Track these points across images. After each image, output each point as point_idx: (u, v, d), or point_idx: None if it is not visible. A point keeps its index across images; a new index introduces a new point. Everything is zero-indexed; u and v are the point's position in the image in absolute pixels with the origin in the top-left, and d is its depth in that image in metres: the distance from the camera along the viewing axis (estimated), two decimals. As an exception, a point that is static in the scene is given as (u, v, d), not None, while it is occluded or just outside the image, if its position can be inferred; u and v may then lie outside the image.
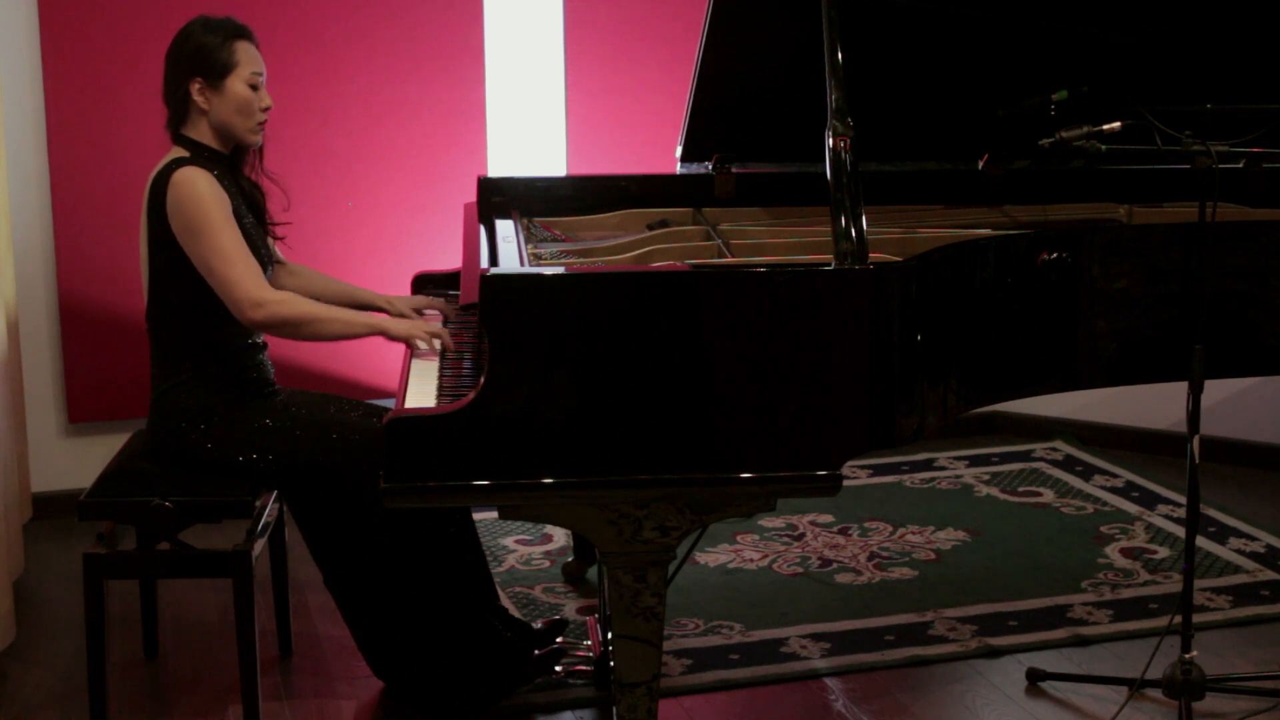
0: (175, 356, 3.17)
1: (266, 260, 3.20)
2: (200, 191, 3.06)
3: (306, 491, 3.15)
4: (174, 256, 3.10)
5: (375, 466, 2.60)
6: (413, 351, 3.13)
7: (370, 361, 4.60)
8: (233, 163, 3.25)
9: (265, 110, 3.21)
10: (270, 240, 3.33)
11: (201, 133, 3.19)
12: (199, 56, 3.14)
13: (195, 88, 3.15)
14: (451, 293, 3.56)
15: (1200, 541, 4.13)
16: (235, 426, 3.14)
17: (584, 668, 3.38)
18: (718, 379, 2.59)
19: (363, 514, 3.09)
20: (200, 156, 3.15)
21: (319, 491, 3.12)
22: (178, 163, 3.11)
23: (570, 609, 3.79)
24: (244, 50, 3.17)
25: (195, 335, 3.15)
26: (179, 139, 3.20)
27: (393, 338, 3.17)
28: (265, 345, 3.30)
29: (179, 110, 3.19)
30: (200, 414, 3.14)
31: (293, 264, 3.47)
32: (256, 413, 3.17)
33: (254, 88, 3.18)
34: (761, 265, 2.94)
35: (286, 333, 3.14)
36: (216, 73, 3.14)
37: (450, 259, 4.24)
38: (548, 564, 4.10)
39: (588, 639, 3.52)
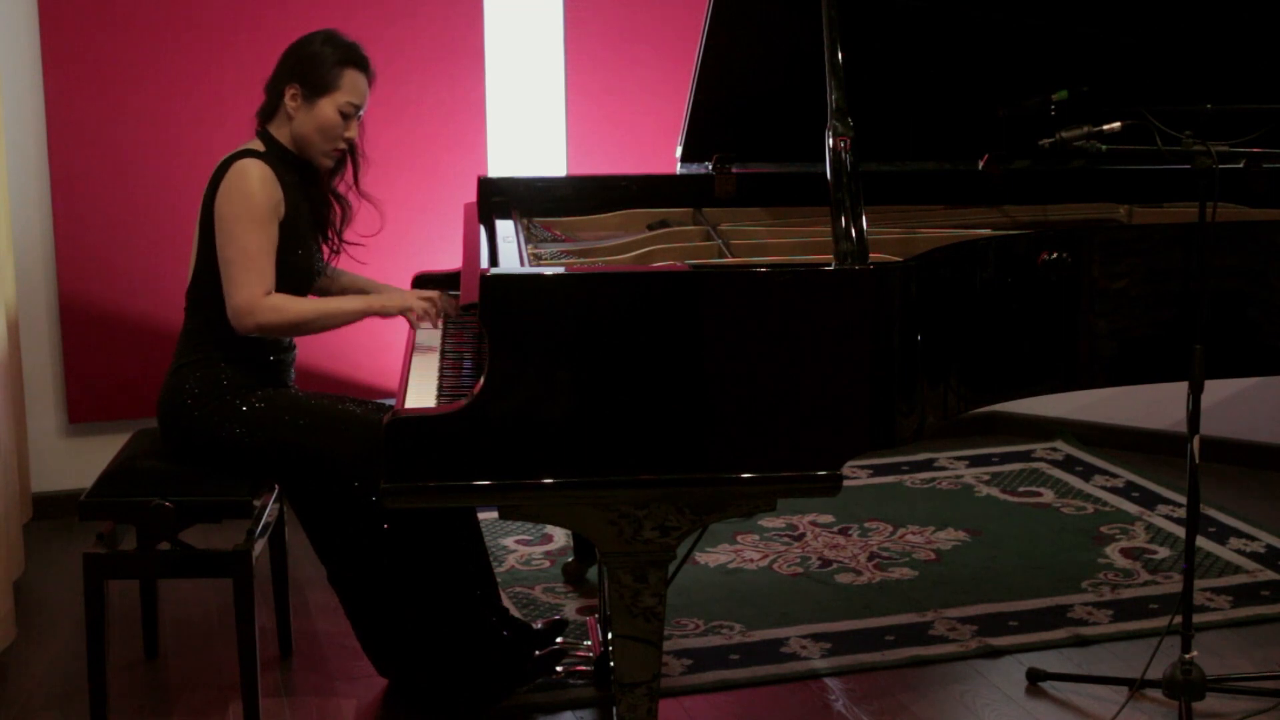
0: (200, 338, 3.20)
1: (310, 271, 3.23)
2: (249, 186, 3.09)
3: (308, 484, 3.15)
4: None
5: (377, 461, 2.60)
6: (412, 324, 3.17)
7: (373, 362, 4.60)
8: (309, 170, 3.26)
9: (346, 139, 3.22)
10: (323, 251, 3.34)
11: (283, 134, 3.23)
12: (306, 65, 3.19)
13: (290, 93, 3.19)
14: (452, 293, 3.56)
15: (1200, 541, 4.13)
16: (241, 406, 3.15)
17: (584, 668, 3.38)
18: (718, 379, 2.59)
19: (364, 508, 3.09)
20: (272, 154, 3.18)
21: (321, 483, 3.13)
22: (245, 153, 3.15)
23: (570, 609, 3.79)
24: (350, 78, 3.20)
25: (225, 322, 3.15)
26: (262, 131, 3.24)
27: (389, 314, 3.21)
28: (293, 346, 3.33)
29: (271, 106, 3.23)
30: (209, 391, 3.15)
31: (332, 267, 3.45)
32: (264, 396, 3.18)
33: (345, 116, 3.20)
34: (761, 265, 2.94)
35: (282, 335, 3.20)
36: (314, 88, 3.18)
37: (450, 259, 4.24)
38: (548, 564, 4.10)
39: (588, 639, 3.52)
